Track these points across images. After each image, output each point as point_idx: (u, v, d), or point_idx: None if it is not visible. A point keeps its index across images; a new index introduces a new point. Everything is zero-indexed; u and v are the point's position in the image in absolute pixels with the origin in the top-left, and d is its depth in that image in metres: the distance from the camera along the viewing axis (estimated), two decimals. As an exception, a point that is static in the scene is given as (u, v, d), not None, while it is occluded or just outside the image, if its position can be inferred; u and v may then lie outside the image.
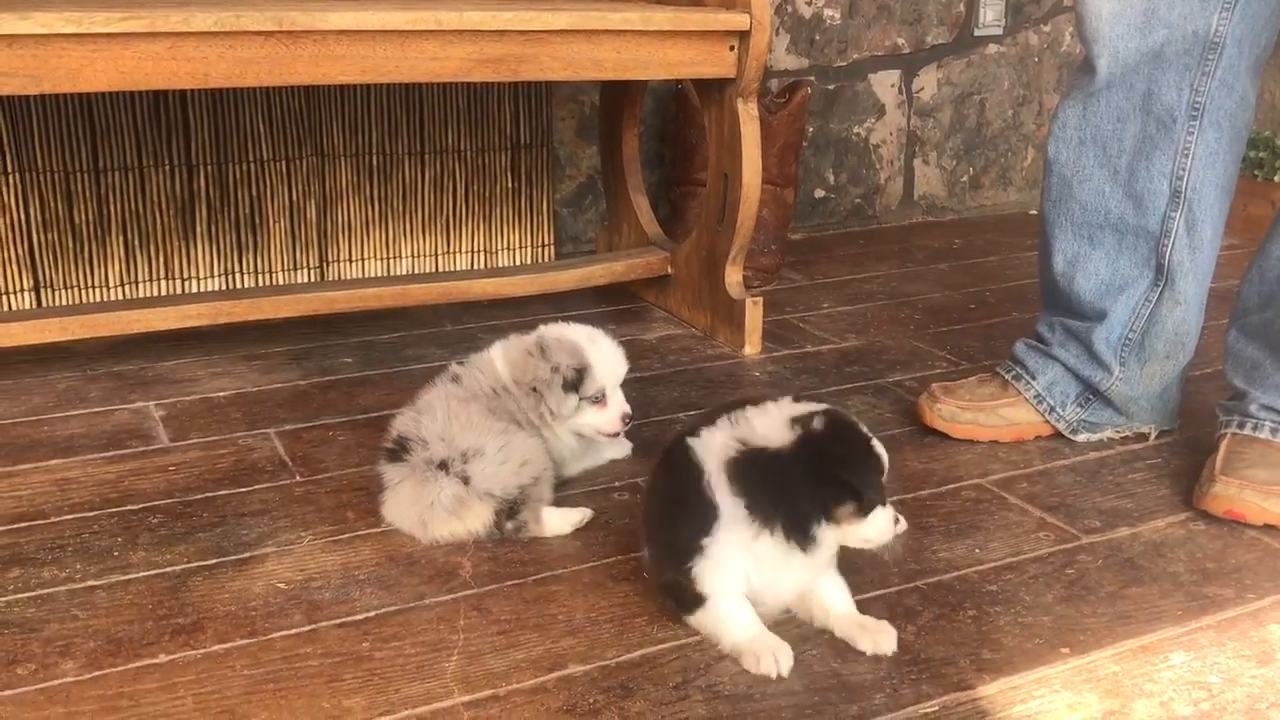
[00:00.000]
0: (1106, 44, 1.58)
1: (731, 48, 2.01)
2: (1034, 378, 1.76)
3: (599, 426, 1.57)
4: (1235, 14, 1.52)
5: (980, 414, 1.75)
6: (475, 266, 2.56)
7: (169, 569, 1.36)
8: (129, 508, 1.51)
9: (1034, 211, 3.35)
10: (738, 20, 1.98)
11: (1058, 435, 1.76)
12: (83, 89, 1.64)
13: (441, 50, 1.79)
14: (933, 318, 2.38)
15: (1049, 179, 1.71)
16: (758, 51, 2.00)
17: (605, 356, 1.56)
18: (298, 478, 1.62)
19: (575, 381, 1.52)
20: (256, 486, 1.58)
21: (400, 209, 2.47)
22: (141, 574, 1.35)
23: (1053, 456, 1.72)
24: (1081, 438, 1.75)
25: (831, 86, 2.99)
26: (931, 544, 1.45)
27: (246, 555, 1.40)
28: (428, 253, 2.52)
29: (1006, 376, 1.79)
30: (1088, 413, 1.75)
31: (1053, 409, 1.75)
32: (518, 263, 2.61)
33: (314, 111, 2.35)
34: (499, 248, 2.59)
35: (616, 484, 1.61)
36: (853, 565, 1.38)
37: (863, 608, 1.30)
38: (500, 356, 1.57)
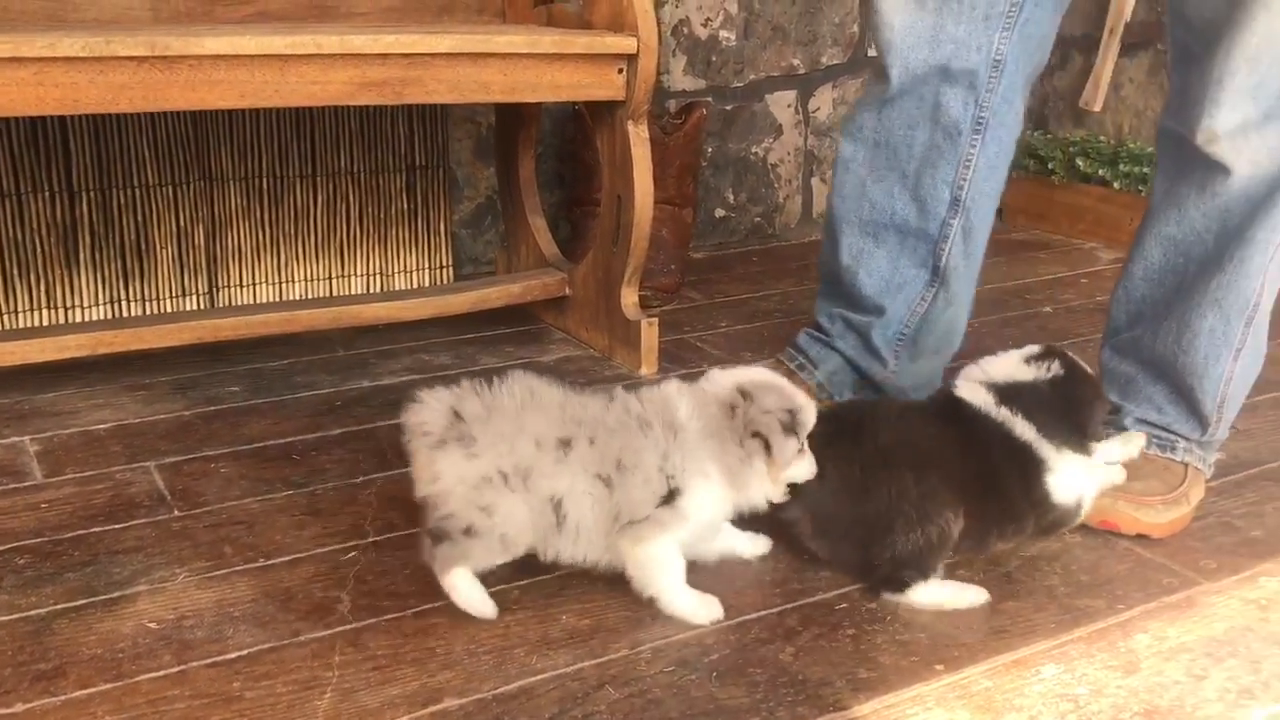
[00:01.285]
0: (898, 55, 1.63)
1: (620, 70, 2.02)
2: (816, 368, 1.83)
3: (799, 477, 1.36)
4: (1015, 34, 1.60)
5: None
6: (371, 289, 2.53)
7: (33, 612, 1.32)
8: (-5, 548, 1.47)
9: (931, 227, 3.41)
10: (625, 44, 1.98)
11: None
12: (-56, 116, 1.59)
13: (323, 74, 1.77)
14: (828, 335, 2.40)
15: (842, 176, 1.76)
16: (646, 74, 2.01)
17: (804, 399, 1.37)
18: (176, 512, 1.58)
19: (791, 426, 1.32)
20: (132, 522, 1.54)
21: (292, 233, 2.44)
22: (2, 618, 1.30)
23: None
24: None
25: (729, 107, 3.02)
26: (813, 564, 1.46)
27: (117, 595, 1.36)
28: (321, 276, 2.49)
29: (791, 366, 1.84)
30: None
31: (832, 397, 1.82)
32: (415, 285, 2.58)
33: (201, 135, 2.31)
34: (395, 270, 2.56)
35: (504, 511, 1.59)
36: (733, 586, 1.39)
37: (744, 629, 1.30)
38: (685, 403, 1.35)
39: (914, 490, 1.34)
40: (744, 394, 1.33)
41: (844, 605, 1.36)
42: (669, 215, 2.62)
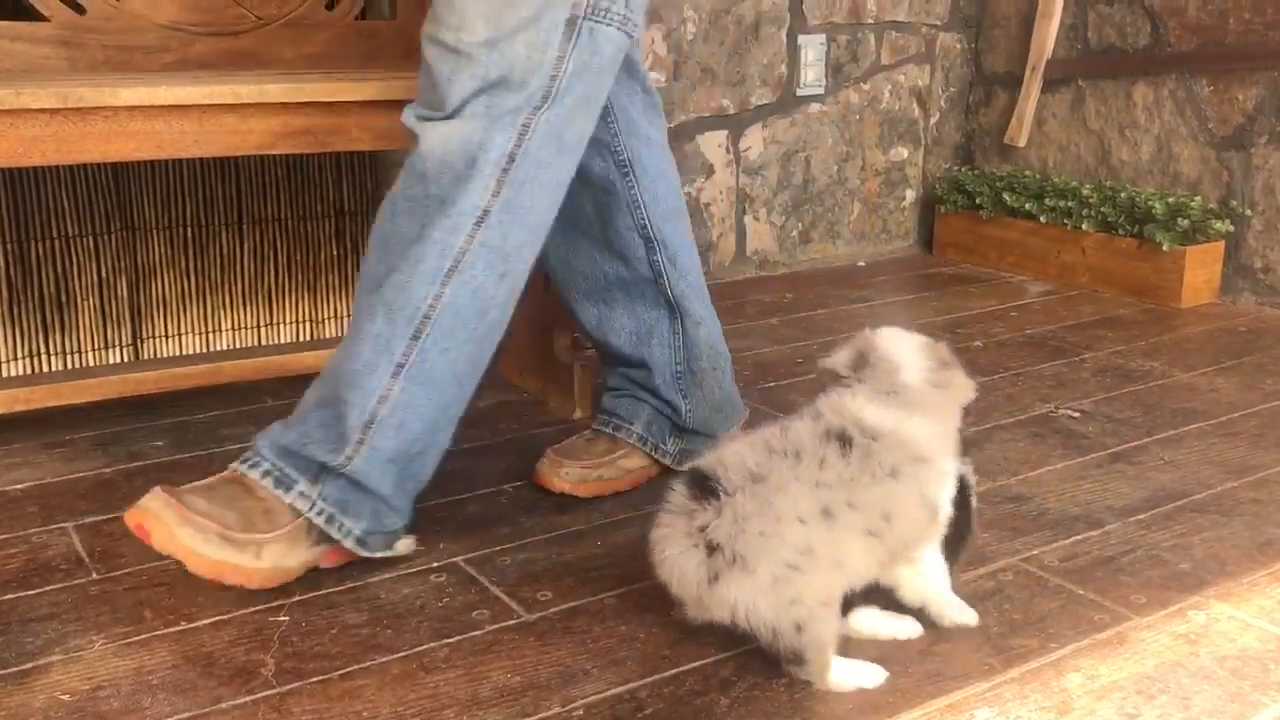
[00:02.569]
0: None
1: (547, 115, 2.01)
2: (631, 424, 1.82)
3: None
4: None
5: (603, 469, 1.78)
6: (301, 337, 2.49)
7: (-62, 688, 1.27)
8: (-100, 620, 1.41)
9: (862, 263, 3.45)
10: (551, 88, 1.98)
11: (666, 470, 1.79)
12: None
13: (242, 124, 1.75)
14: (762, 374, 2.41)
15: (544, 256, 1.63)
16: (573, 118, 2.01)
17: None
18: (94, 575, 1.53)
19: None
20: (47, 588, 1.49)
21: (219, 281, 2.39)
22: (-94, 696, 1.25)
23: (871, 512, 1.75)
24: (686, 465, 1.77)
25: (661, 146, 3.03)
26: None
27: (29, 666, 1.31)
28: (249, 325, 2.44)
29: (608, 430, 1.83)
30: (685, 441, 1.83)
31: (657, 446, 1.81)
32: (346, 332, 2.54)
33: (122, 183, 2.26)
34: (325, 317, 2.53)
35: (435, 564, 1.57)
36: (669, 636, 1.37)
37: (678, 681, 1.29)
38: (909, 360, 1.31)
39: None
40: (943, 362, 1.33)
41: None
42: (602, 257, 2.61)
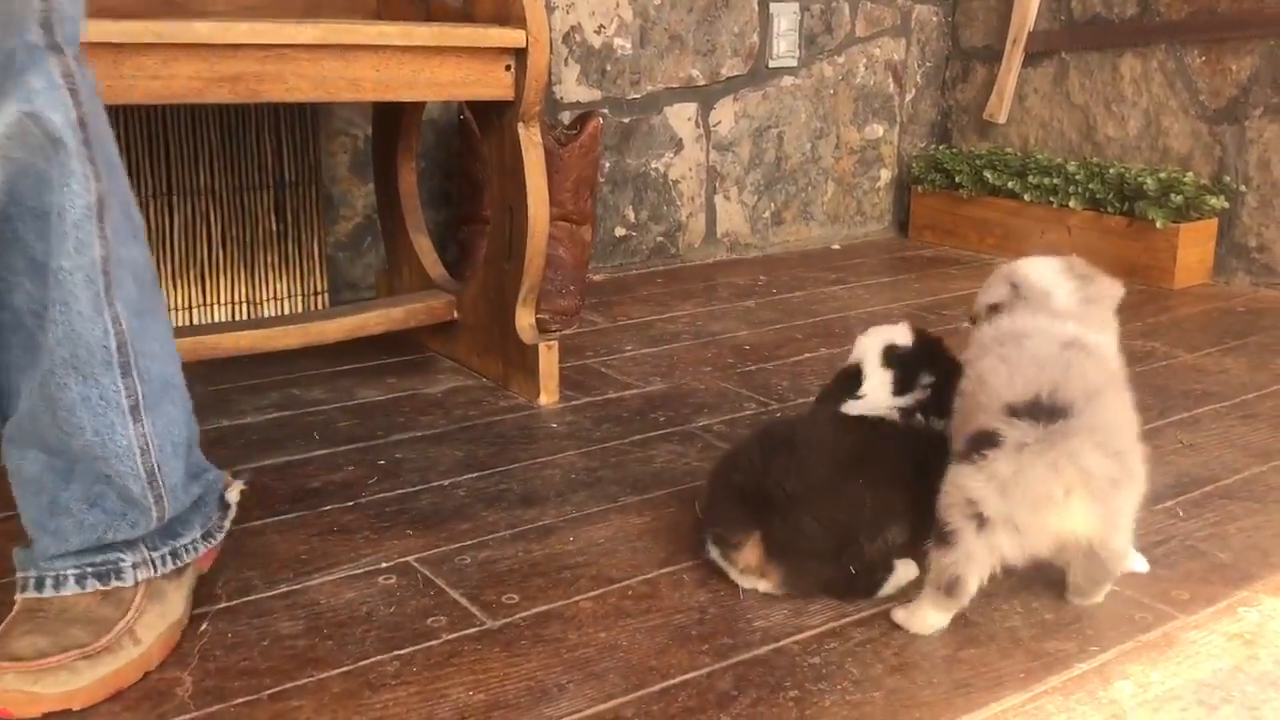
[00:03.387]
0: None
1: (508, 67, 1.82)
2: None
3: None
4: None
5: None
6: (237, 319, 2.28)
7: None
8: None
9: (837, 246, 3.29)
10: (512, 37, 1.79)
11: None
12: None
13: (164, 68, 1.54)
14: (740, 357, 2.23)
15: None
16: (537, 72, 1.82)
17: None
18: (-14, 581, 1.32)
19: None
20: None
21: (145, 257, 2.17)
22: None
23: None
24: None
25: (626, 120, 2.84)
26: (746, 611, 1.27)
27: (-104, 689, 1.10)
28: (180, 306, 2.23)
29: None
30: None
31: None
32: (286, 313, 2.34)
33: (34, 148, 2.04)
34: (264, 298, 2.32)
35: (384, 564, 1.37)
36: (653, 644, 1.19)
37: (669, 697, 1.10)
38: (1057, 285, 1.34)
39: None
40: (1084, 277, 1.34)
41: (782, 662, 1.17)
42: (566, 233, 2.43)
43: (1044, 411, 1.13)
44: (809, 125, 3.18)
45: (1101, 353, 1.25)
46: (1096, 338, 1.26)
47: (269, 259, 2.31)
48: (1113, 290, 1.35)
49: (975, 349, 1.30)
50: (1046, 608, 1.28)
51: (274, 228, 2.31)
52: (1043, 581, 1.33)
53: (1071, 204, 2.89)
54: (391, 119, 2.24)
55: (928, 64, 3.39)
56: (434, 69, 1.76)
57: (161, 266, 2.19)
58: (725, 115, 3.01)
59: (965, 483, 1.15)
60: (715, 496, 1.34)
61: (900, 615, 1.24)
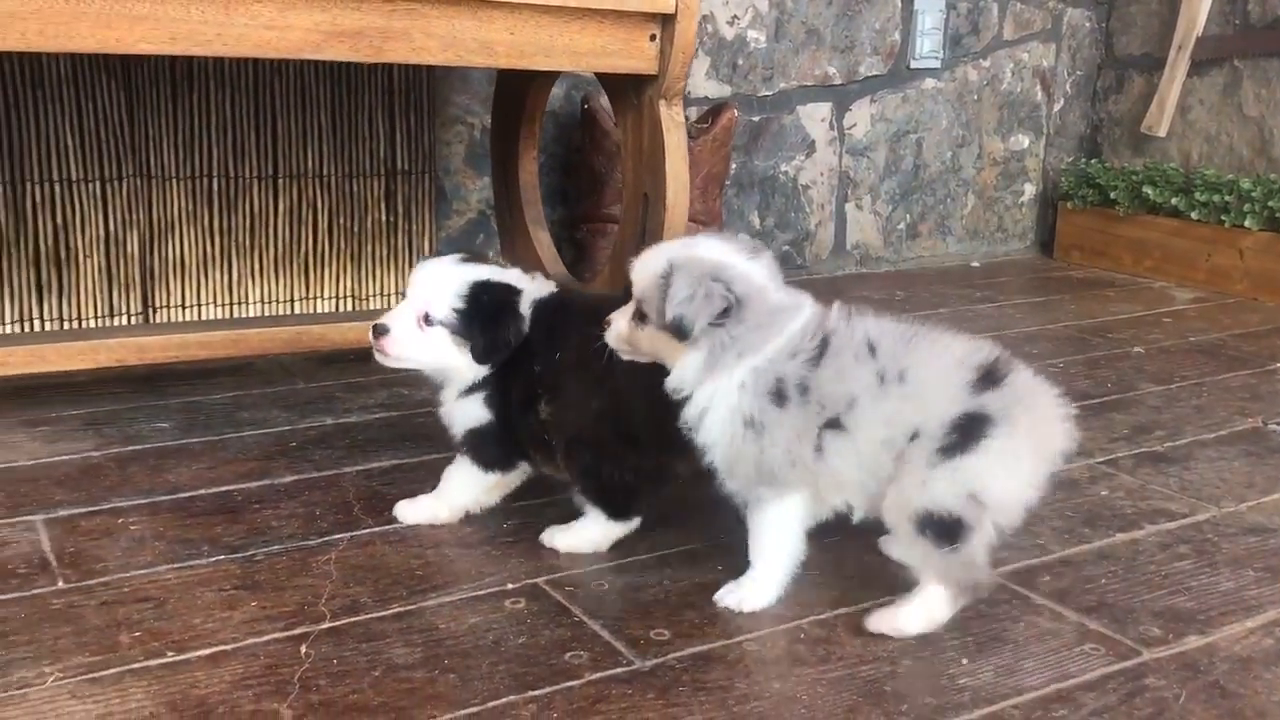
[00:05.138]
0: None
1: (652, 37, 1.64)
2: None
3: None
4: None
5: None
6: (341, 313, 2.12)
7: None
8: None
9: (976, 263, 3.04)
10: (661, 2, 1.60)
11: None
12: None
13: (279, 17, 1.38)
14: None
15: None
16: (684, 43, 1.63)
17: None
18: (60, 584, 1.15)
19: None
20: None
21: (247, 244, 2.03)
22: None
23: (1073, 540, 1.34)
24: None
25: (756, 118, 2.65)
26: (947, 665, 1.05)
27: (-53, 707, 0.93)
28: (281, 298, 2.07)
29: None
30: None
31: None
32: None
33: (138, 122, 1.90)
34: (370, 293, 2.15)
35: (510, 585, 1.17)
36: (844, 704, 0.97)
37: (871, 770, 0.88)
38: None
39: None
40: None
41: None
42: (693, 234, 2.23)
43: None
44: (950, 132, 2.95)
45: None
46: None
47: (378, 251, 2.15)
48: None
49: None
50: None
51: (384, 218, 2.15)
52: None
53: (1247, 223, 2.62)
54: (514, 104, 2.07)
55: (1078, 72, 3.14)
56: (573, 34, 1.58)
57: (263, 254, 2.03)
58: (861, 117, 2.80)
59: None
60: None
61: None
